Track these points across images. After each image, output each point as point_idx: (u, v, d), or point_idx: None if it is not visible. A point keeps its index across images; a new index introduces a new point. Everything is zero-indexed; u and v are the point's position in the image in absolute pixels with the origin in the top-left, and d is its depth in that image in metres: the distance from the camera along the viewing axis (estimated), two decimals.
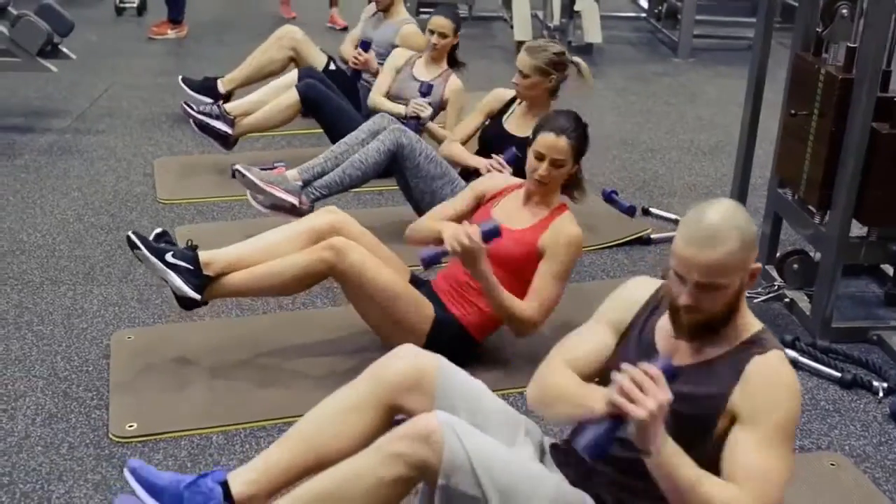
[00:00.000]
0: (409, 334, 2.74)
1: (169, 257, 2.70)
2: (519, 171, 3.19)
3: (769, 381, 1.77)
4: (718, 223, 1.74)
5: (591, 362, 1.96)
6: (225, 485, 1.99)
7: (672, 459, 1.68)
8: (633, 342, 1.94)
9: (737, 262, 1.75)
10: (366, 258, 2.71)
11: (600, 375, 1.95)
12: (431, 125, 4.10)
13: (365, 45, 4.63)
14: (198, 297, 2.72)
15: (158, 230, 2.84)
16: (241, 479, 2.00)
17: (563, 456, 1.99)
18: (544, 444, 2.05)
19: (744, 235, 1.75)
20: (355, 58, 4.58)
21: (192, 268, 2.71)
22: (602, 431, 1.66)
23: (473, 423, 1.89)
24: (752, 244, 1.77)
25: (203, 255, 2.74)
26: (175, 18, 6.86)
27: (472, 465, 1.78)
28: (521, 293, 2.80)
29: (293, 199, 3.52)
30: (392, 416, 2.03)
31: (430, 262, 2.64)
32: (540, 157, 2.79)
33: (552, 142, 2.78)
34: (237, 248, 2.81)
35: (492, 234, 2.60)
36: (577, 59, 3.65)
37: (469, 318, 2.84)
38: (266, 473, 2.01)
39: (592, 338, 1.99)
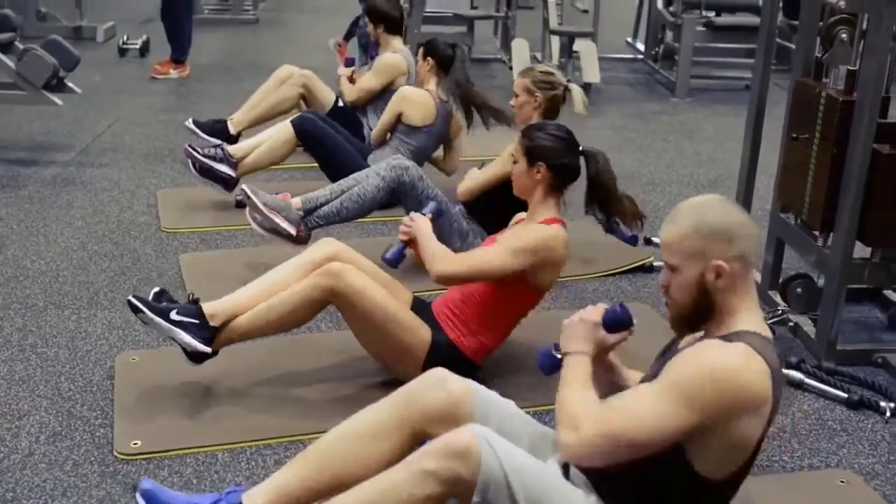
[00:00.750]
0: (407, 357, 2.74)
1: (173, 315, 2.69)
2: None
3: (693, 352, 1.77)
4: (686, 205, 1.84)
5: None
6: None
7: (572, 365, 1.89)
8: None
9: (689, 247, 1.78)
10: (362, 280, 2.71)
11: None
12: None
13: (350, 61, 4.87)
14: (208, 350, 2.71)
15: (156, 289, 2.81)
16: (256, 501, 1.97)
17: (586, 469, 1.98)
18: None
19: (701, 222, 1.78)
20: (337, 42, 4.74)
21: (198, 322, 2.70)
22: (552, 348, 2.06)
23: (509, 441, 1.88)
24: (713, 236, 1.78)
25: (206, 307, 2.73)
26: (178, 58, 6.94)
27: (508, 480, 1.77)
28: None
29: (291, 229, 3.52)
30: (418, 442, 1.99)
31: (393, 261, 2.87)
32: None
33: (516, 139, 2.87)
34: (239, 295, 2.80)
35: (432, 210, 2.90)
36: (572, 84, 3.70)
37: (463, 339, 2.82)
38: (280, 495, 1.97)
39: None
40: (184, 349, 2.72)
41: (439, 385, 2.04)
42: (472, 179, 3.74)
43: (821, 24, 3.28)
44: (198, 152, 4.23)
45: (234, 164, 4.28)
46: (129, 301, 2.69)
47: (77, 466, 2.47)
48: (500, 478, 1.76)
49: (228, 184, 4.29)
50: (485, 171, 3.72)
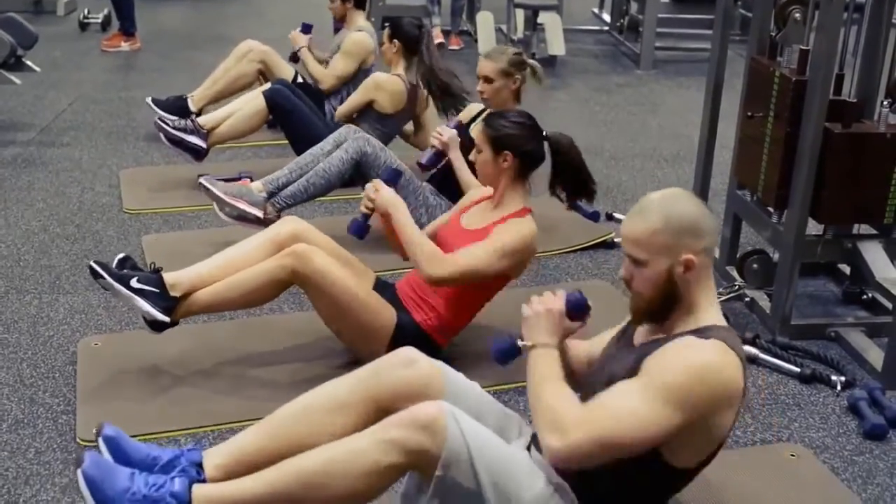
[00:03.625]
0: (372, 338, 2.76)
1: (134, 283, 2.69)
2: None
3: (677, 350, 1.78)
4: (651, 200, 1.85)
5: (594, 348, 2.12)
6: (199, 465, 1.97)
7: (540, 358, 1.89)
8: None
9: (658, 242, 1.80)
10: (327, 263, 2.73)
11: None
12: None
13: (306, 27, 4.80)
14: (167, 319, 2.72)
15: (121, 255, 2.82)
16: (213, 462, 1.98)
17: None
18: (532, 439, 2.07)
19: (671, 217, 1.80)
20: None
21: (158, 291, 2.71)
22: (510, 340, 2.03)
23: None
24: (683, 231, 1.80)
25: (168, 277, 2.74)
26: (127, 30, 6.88)
27: (472, 457, 1.79)
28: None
29: (257, 212, 3.54)
30: (379, 419, 1.97)
31: (358, 232, 2.88)
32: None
33: (477, 128, 2.88)
34: (201, 267, 2.82)
35: (392, 178, 2.88)
36: (530, 60, 3.71)
37: (430, 322, 2.86)
38: (238, 458, 1.98)
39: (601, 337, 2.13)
40: (143, 317, 2.74)
41: (409, 364, 2.05)
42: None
43: (775, 2, 3.32)
44: (168, 124, 4.23)
45: (204, 136, 4.28)
46: (89, 266, 2.69)
47: (40, 454, 2.48)
48: (464, 454, 1.78)
49: (200, 154, 4.29)
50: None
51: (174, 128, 4.22)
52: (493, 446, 1.85)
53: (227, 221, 3.58)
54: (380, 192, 2.80)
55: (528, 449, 2.03)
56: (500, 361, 2.07)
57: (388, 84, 4.26)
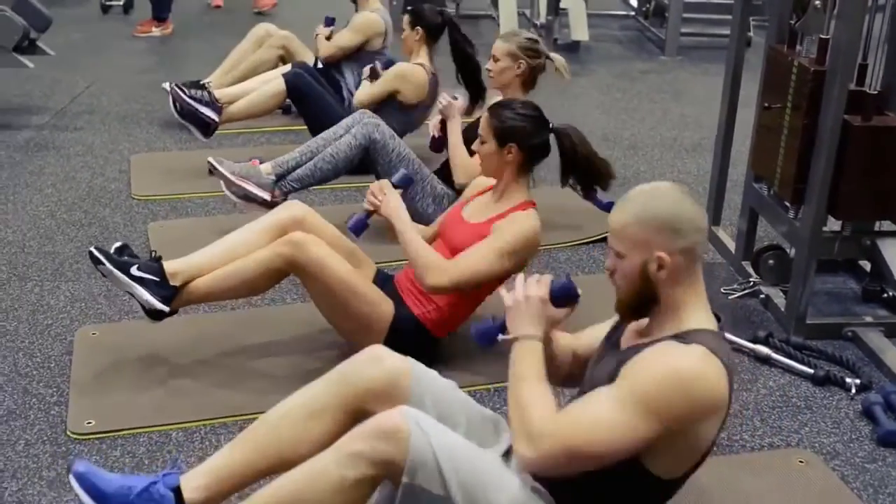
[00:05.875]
0: (368, 331, 2.70)
1: (134, 270, 2.66)
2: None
3: (655, 356, 1.70)
4: (633, 193, 1.79)
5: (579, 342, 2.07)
6: (177, 490, 1.93)
7: (522, 351, 1.82)
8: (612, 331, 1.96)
9: (633, 234, 1.74)
10: (325, 253, 2.67)
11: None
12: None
13: (329, 20, 4.76)
14: (166, 308, 2.68)
15: (118, 244, 2.78)
16: (193, 485, 1.95)
17: None
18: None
19: (645, 212, 1.73)
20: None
21: (157, 279, 2.67)
22: (493, 324, 1.99)
23: (445, 425, 1.85)
24: (656, 227, 1.72)
25: (168, 266, 2.69)
26: (160, 16, 6.84)
27: (438, 463, 1.74)
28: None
29: (264, 195, 3.51)
30: (356, 421, 1.95)
31: (357, 229, 2.80)
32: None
33: (483, 117, 2.79)
34: (201, 255, 2.77)
35: (403, 182, 2.79)
36: (553, 54, 3.63)
37: (428, 315, 2.79)
38: (218, 479, 1.95)
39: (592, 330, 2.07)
40: (142, 306, 2.70)
41: (375, 362, 2.01)
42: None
43: None
44: (184, 92, 4.17)
45: (218, 109, 4.22)
46: (90, 252, 2.66)
47: (29, 446, 2.45)
48: (430, 460, 1.73)
49: (209, 128, 4.21)
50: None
51: (189, 96, 4.15)
52: (461, 450, 1.79)
53: (234, 201, 3.55)
54: (387, 197, 2.73)
55: (508, 454, 1.95)
56: (483, 344, 2.02)
57: (412, 75, 4.17)
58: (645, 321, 1.85)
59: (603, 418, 1.66)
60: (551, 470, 1.71)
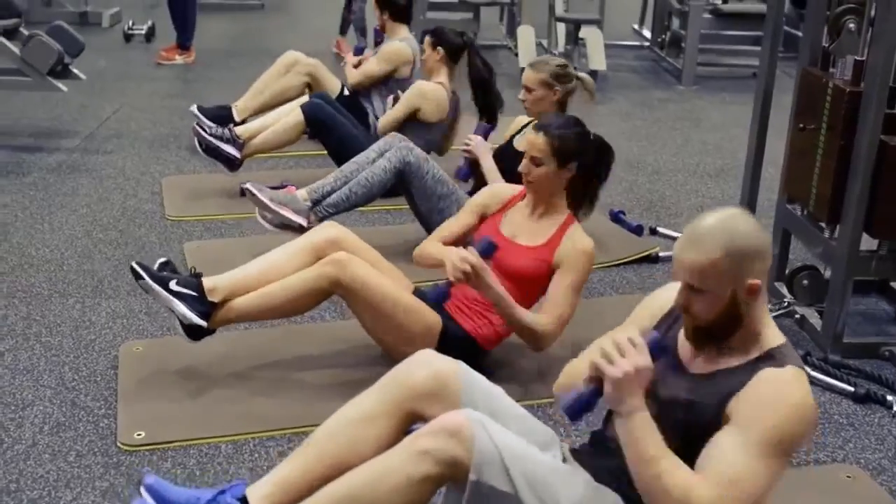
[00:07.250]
0: (417, 344, 2.71)
1: (173, 285, 2.69)
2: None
3: (771, 391, 1.70)
4: (709, 227, 1.72)
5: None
6: (244, 500, 1.95)
7: (640, 429, 1.71)
8: None
9: (721, 270, 1.70)
10: (368, 271, 2.70)
11: None
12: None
13: (358, 49, 4.87)
14: (204, 323, 2.70)
15: (162, 259, 2.82)
16: (258, 494, 1.96)
17: (587, 458, 1.96)
18: (564, 451, 2.02)
19: (732, 244, 1.69)
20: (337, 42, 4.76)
21: (196, 295, 2.70)
22: (584, 394, 1.75)
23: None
24: (746, 256, 1.70)
25: (206, 282, 2.73)
26: (184, 44, 6.92)
27: (503, 460, 1.76)
28: (528, 305, 2.80)
29: (301, 220, 3.53)
30: (410, 424, 2.00)
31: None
32: (524, 154, 2.80)
33: (531, 138, 2.78)
34: (240, 273, 2.80)
35: (488, 251, 2.63)
36: (581, 73, 3.68)
37: (480, 330, 2.82)
38: (283, 487, 1.97)
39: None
40: (180, 321, 2.72)
41: (424, 365, 2.03)
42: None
43: (828, 12, 3.25)
44: (205, 131, 4.24)
45: (240, 146, 4.28)
46: (131, 267, 2.70)
47: (80, 457, 2.47)
48: (495, 457, 1.76)
49: (234, 164, 4.29)
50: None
51: (211, 135, 4.23)
52: (523, 448, 1.82)
53: (269, 229, 3.58)
54: (475, 269, 2.55)
55: (565, 459, 1.98)
56: (577, 419, 1.82)
57: (432, 93, 4.24)
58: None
59: (750, 471, 1.67)
60: None
